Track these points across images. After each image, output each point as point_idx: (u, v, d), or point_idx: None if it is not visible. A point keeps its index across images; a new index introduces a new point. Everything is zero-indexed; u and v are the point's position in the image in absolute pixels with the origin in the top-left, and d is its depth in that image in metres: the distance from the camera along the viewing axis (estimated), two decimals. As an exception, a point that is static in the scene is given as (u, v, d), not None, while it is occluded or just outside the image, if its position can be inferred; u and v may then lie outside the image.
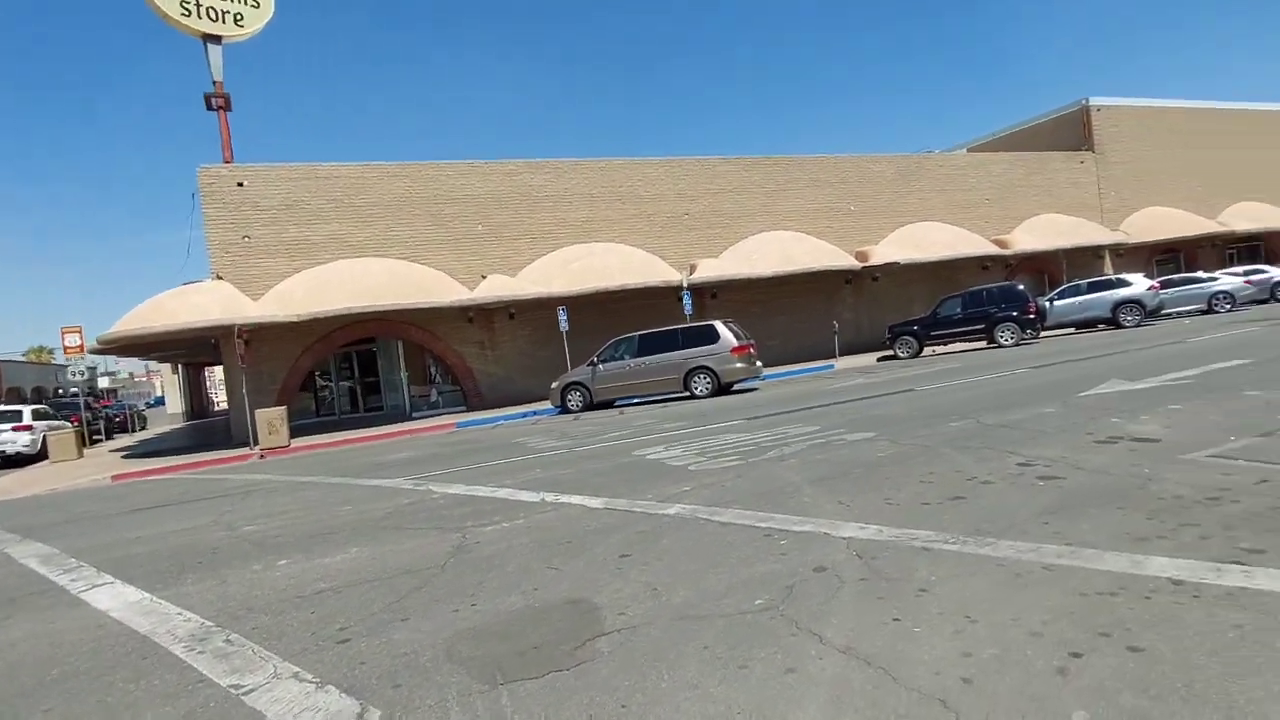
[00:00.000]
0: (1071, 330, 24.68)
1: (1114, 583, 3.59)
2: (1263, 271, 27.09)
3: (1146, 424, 7.22)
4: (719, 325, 18.32)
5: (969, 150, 38.41)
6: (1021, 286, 23.35)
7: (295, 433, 19.33)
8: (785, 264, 25.60)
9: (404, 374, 23.97)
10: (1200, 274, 27.13)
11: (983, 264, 30.07)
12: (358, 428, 21.23)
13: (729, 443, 9.40)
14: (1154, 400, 8.48)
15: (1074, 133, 34.15)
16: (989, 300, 22.84)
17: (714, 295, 25.99)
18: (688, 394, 18.11)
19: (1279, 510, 4.36)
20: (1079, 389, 10.14)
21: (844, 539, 4.75)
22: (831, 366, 23.76)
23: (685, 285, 23.42)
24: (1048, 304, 24.32)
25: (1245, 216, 34.63)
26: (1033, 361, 15.48)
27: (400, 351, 23.89)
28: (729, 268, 25.09)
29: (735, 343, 17.97)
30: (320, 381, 24.77)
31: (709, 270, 24.75)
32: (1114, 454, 6.16)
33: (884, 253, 27.74)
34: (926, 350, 24.01)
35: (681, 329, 18.92)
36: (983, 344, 22.95)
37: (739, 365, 17.90)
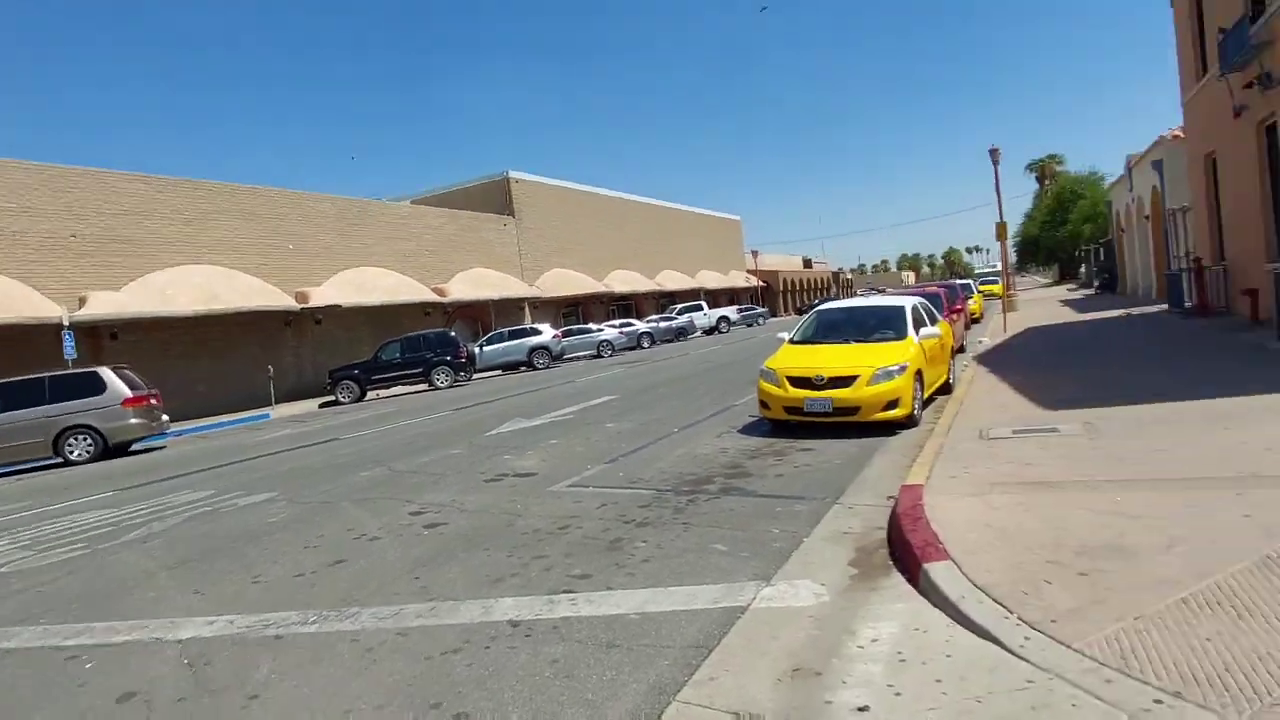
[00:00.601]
0: (499, 372, 27.36)
1: (461, 636, 3.53)
2: (632, 325, 34.50)
3: (530, 459, 7.99)
4: (107, 372, 14.81)
5: (412, 202, 40.06)
6: (454, 333, 24.93)
7: None
8: (211, 302, 22.46)
9: None
10: (591, 325, 33.18)
11: (425, 310, 31.34)
12: None
13: (79, 526, 7.31)
14: (541, 436, 9.54)
15: (499, 199, 38.56)
16: (426, 345, 23.76)
17: (114, 335, 21.22)
18: (61, 460, 14.14)
19: (609, 531, 5.02)
20: (487, 428, 10.91)
21: (180, 642, 3.83)
22: (267, 416, 21.55)
23: (67, 324, 18.55)
24: (478, 349, 26.53)
25: (621, 281, 43.85)
26: (459, 403, 16.41)
27: None
28: (136, 304, 20.82)
29: (129, 393, 14.73)
30: None
31: (107, 305, 20.12)
32: (497, 492, 6.54)
33: (327, 294, 26.66)
34: (370, 394, 23.71)
35: (50, 378, 14.75)
36: (423, 386, 23.69)
37: (134, 421, 14.70)
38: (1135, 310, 19.34)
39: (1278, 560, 3.25)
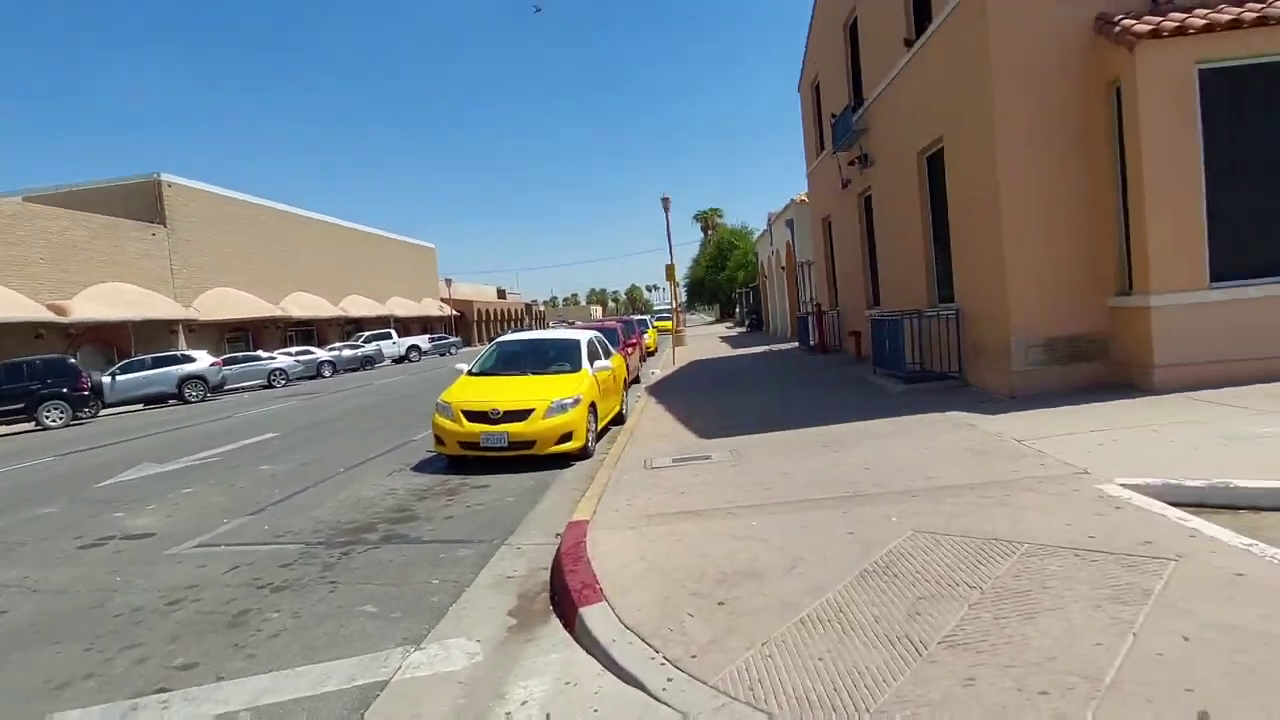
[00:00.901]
0: (141, 406, 23.08)
1: (-16, 778, 2.64)
2: (311, 352, 31.50)
3: (151, 515, 6.63)
4: None
5: (24, 200, 32.47)
6: (74, 360, 20.53)
7: None
8: None
9: None
10: (261, 353, 29.59)
11: (37, 332, 25.40)
12: None
13: None
14: (173, 484, 8.04)
15: (147, 204, 32.89)
16: (32, 375, 19.17)
17: None
18: None
19: (235, 602, 4.25)
20: (102, 477, 8.95)
21: None
22: None
23: None
24: (108, 379, 22.12)
25: (300, 304, 39.93)
26: (73, 446, 13.37)
27: None
28: None
29: None
30: None
31: None
32: (93, 562, 5.26)
33: (-124, 308, 20.31)
34: (-58, 438, 18.45)
35: None
36: (30, 425, 19.07)
37: None
38: (775, 347, 22.41)
39: (873, 573, 3.73)
